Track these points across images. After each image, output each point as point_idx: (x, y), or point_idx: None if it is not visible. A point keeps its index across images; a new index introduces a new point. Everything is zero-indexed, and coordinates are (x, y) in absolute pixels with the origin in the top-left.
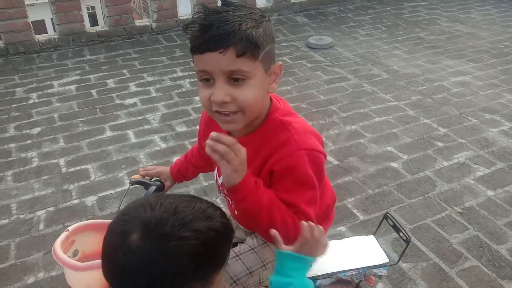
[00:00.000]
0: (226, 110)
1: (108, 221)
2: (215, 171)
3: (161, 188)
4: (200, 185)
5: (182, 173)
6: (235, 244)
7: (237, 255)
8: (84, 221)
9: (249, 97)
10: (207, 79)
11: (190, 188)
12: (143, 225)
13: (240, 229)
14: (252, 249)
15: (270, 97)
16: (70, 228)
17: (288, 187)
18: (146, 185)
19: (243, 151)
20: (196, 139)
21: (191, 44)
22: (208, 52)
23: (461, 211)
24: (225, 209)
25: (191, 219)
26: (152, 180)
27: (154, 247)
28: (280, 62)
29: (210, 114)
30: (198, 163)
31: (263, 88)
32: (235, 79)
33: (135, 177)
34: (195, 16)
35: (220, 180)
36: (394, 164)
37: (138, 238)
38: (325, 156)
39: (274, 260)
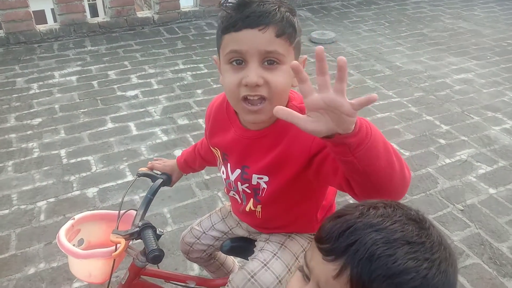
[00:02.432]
0: (256, 94)
1: (114, 212)
2: (228, 167)
3: (167, 181)
4: (201, 178)
5: (189, 164)
6: (243, 239)
7: (265, 264)
8: (89, 211)
9: (281, 82)
10: (238, 61)
11: (191, 181)
12: None
13: (240, 228)
14: (275, 254)
15: None
16: (76, 217)
17: None
18: (153, 178)
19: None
20: (198, 132)
21: (225, 23)
22: (246, 29)
23: (462, 208)
24: (228, 209)
25: None
26: (160, 174)
27: None
28: (306, 56)
29: (235, 102)
30: (206, 155)
31: (291, 79)
32: (269, 62)
33: (143, 169)
34: None
35: (232, 177)
36: None
37: None
38: None
39: (294, 261)
